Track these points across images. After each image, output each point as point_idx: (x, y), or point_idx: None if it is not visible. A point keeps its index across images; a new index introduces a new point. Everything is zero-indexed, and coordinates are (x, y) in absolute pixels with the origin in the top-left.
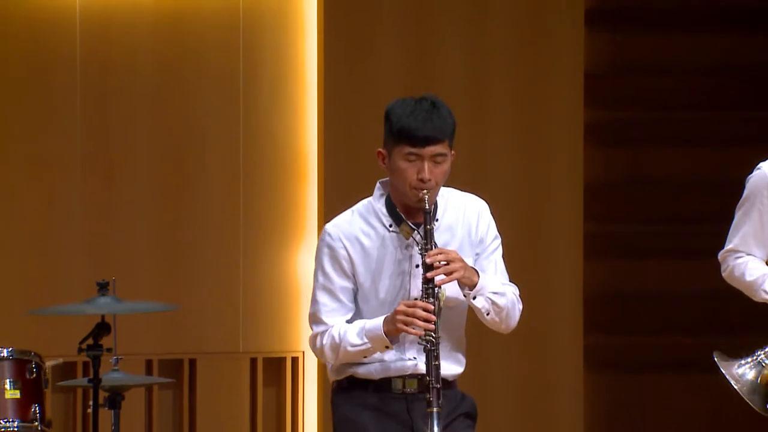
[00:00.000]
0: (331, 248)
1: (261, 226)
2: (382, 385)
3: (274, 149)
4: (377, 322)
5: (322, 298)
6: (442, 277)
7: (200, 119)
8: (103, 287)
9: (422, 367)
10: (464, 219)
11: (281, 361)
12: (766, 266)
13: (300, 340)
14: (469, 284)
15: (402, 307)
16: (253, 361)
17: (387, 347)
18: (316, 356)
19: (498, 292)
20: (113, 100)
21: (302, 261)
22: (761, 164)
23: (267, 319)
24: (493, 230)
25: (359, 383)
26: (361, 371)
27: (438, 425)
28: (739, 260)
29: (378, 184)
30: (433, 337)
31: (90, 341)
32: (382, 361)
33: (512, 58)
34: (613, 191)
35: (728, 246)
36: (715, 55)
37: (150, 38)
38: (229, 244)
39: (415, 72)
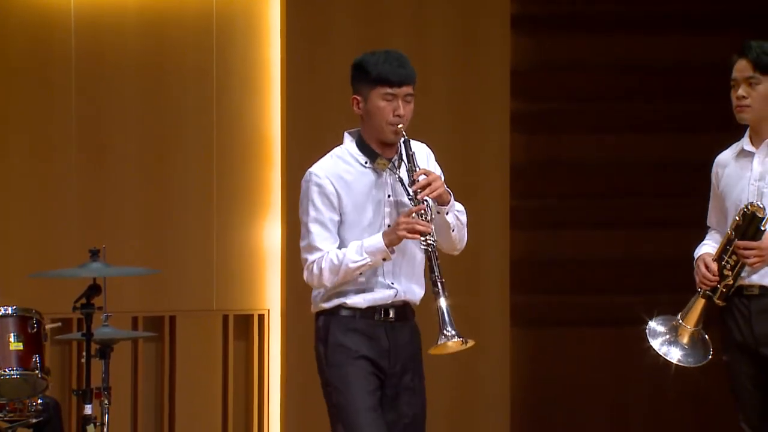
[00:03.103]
0: (319, 185)
1: (232, 201)
2: (367, 314)
3: (243, 135)
4: (376, 238)
5: (315, 228)
6: (431, 190)
7: (180, 108)
8: (94, 254)
9: (401, 295)
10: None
11: (249, 317)
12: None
13: (265, 300)
14: (445, 201)
15: (402, 218)
16: (225, 317)
17: (384, 259)
18: (311, 283)
19: (460, 210)
20: (104, 90)
21: (267, 231)
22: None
23: (237, 282)
24: (439, 170)
25: (347, 311)
26: (350, 301)
27: (448, 313)
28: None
29: (345, 133)
30: (431, 239)
31: (83, 301)
32: (367, 291)
33: (449, 57)
34: (535, 171)
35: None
36: (621, 54)
37: (136, 38)
38: (204, 216)
39: None
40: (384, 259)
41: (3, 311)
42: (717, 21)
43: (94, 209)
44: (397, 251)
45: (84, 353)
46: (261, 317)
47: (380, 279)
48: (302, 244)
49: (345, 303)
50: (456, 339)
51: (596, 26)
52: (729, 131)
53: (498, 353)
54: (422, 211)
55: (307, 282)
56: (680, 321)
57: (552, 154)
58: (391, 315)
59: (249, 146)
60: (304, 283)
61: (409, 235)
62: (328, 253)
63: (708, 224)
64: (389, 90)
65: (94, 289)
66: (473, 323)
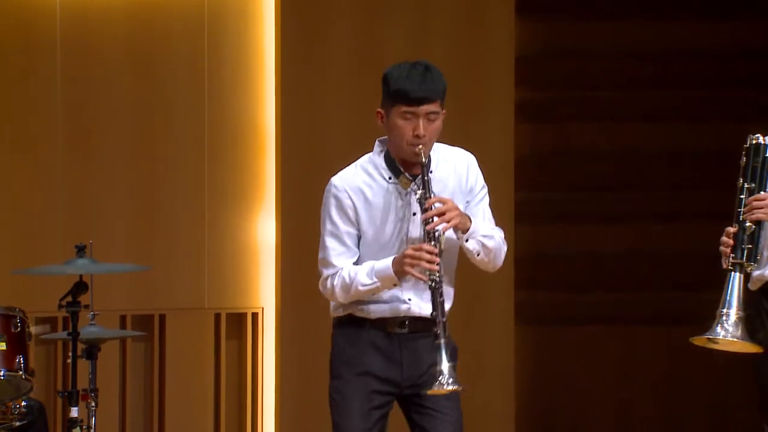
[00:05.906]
0: (337, 198)
1: (224, 194)
2: (377, 324)
3: (236, 126)
4: (386, 263)
5: (331, 243)
6: (444, 224)
7: (170, 98)
8: (81, 250)
9: (415, 310)
10: (455, 171)
11: (242, 316)
12: None
13: (259, 297)
14: (463, 229)
15: (409, 251)
16: (217, 316)
17: (395, 285)
18: (327, 297)
19: (487, 236)
20: (91, 79)
21: (261, 226)
22: None
23: (229, 279)
24: (481, 180)
25: (357, 321)
26: (359, 312)
27: (446, 354)
28: None
29: (377, 142)
30: (437, 276)
31: (69, 298)
32: (379, 302)
33: (451, 44)
34: (540, 163)
35: None
36: (629, 40)
37: (125, 24)
38: (195, 210)
39: (364, 58)
40: (395, 285)
41: None
42: (728, 7)
43: (80, 203)
44: None
45: (70, 353)
46: (255, 316)
47: (396, 293)
48: (319, 256)
49: (353, 314)
50: (450, 387)
51: (604, 12)
52: (740, 120)
53: (502, 350)
54: (432, 245)
55: (324, 295)
56: (721, 310)
57: (558, 145)
58: (405, 328)
59: (242, 138)
60: (299, 281)
61: (412, 272)
62: (342, 270)
63: None
64: (408, 108)
65: (80, 287)
66: (477, 320)
